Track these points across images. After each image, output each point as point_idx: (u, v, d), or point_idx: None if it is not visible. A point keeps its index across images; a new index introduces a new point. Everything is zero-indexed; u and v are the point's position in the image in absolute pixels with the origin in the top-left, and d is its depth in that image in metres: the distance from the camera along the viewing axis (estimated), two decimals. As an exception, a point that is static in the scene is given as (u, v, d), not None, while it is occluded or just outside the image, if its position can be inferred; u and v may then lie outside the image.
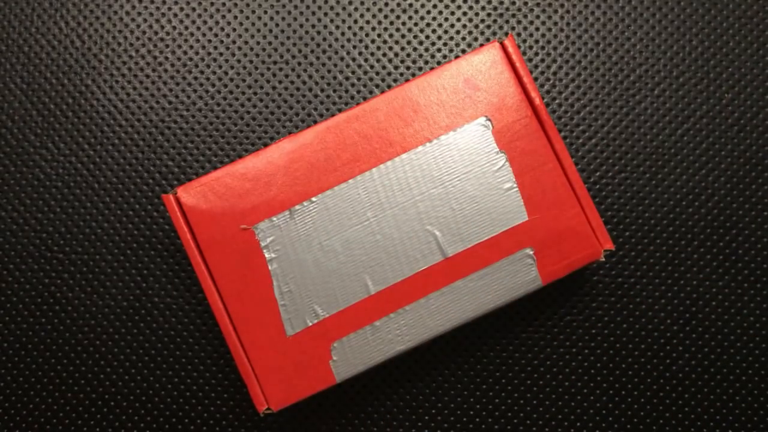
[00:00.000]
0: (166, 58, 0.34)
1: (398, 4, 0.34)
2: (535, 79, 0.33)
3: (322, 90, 0.33)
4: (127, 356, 0.32)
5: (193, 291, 0.33)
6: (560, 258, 0.27)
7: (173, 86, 0.33)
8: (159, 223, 0.33)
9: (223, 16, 0.34)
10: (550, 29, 0.34)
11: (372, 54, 0.34)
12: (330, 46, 0.34)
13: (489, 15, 0.34)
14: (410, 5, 0.34)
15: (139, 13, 0.34)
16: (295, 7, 0.34)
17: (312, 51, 0.34)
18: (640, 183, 0.33)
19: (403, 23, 0.34)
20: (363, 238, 0.27)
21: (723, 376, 0.32)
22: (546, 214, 0.27)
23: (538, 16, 0.34)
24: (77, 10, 0.34)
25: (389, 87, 0.33)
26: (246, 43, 0.34)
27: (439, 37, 0.34)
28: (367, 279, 0.27)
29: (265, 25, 0.34)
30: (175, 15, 0.34)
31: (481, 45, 0.34)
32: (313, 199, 0.27)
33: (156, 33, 0.34)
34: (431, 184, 0.27)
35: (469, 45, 0.34)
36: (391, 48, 0.34)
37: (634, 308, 0.32)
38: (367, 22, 0.34)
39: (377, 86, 0.33)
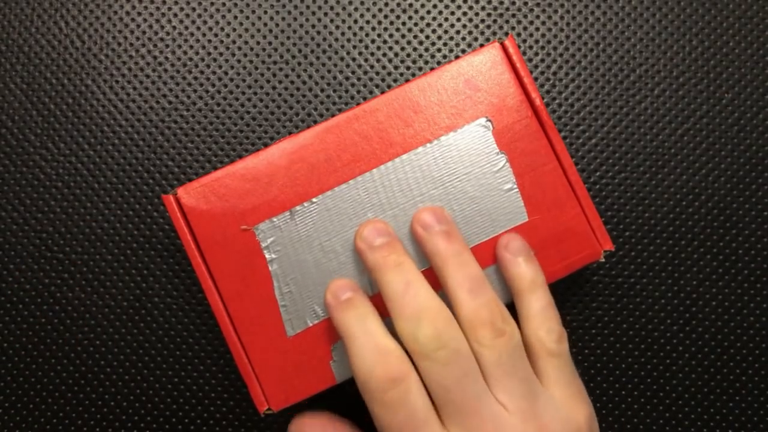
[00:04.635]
0: (166, 58, 0.34)
1: (398, 4, 0.34)
2: (535, 79, 0.33)
3: (322, 90, 0.33)
4: (127, 356, 0.32)
5: (193, 291, 0.33)
6: (560, 258, 0.27)
7: (173, 86, 0.33)
8: (159, 223, 0.33)
9: (223, 16, 0.34)
10: (550, 29, 0.34)
11: (372, 54, 0.34)
12: (330, 46, 0.34)
13: (489, 15, 0.34)
14: (410, 5, 0.34)
15: (139, 13, 0.34)
16: (295, 7, 0.34)
17: (312, 51, 0.34)
18: (640, 183, 0.33)
19: (403, 23, 0.34)
20: (363, 239, 0.27)
21: (723, 376, 0.32)
22: (546, 214, 0.27)
23: (538, 16, 0.34)
24: (77, 10, 0.34)
25: (389, 87, 0.33)
26: (246, 43, 0.34)
27: (439, 37, 0.34)
28: (368, 279, 0.27)
29: (265, 25, 0.34)
30: (175, 15, 0.34)
31: (481, 45, 0.34)
32: (314, 199, 0.27)
33: (156, 33, 0.34)
34: (431, 184, 0.27)
35: (469, 45, 0.34)
36: (391, 48, 0.34)
37: (634, 308, 0.32)
38: (367, 22, 0.34)
39: (377, 86, 0.33)
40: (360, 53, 0.34)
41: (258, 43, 0.34)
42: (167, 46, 0.34)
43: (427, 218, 0.26)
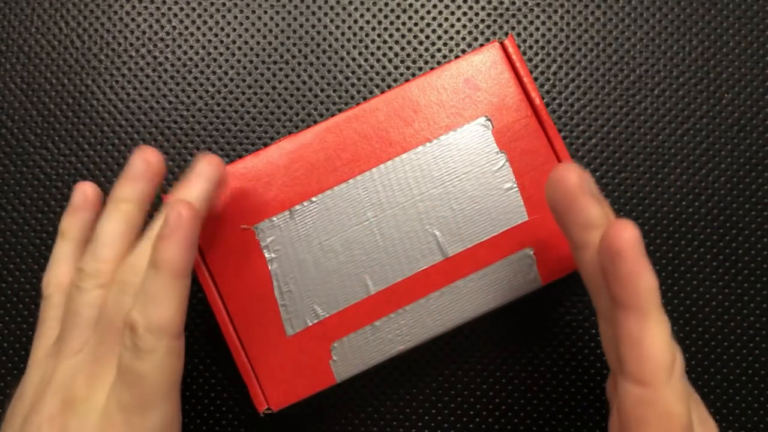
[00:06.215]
0: (166, 58, 0.34)
1: (398, 4, 0.34)
2: (535, 79, 0.33)
3: (322, 90, 0.33)
4: (127, 356, 0.32)
5: (193, 291, 0.33)
6: (560, 258, 0.27)
7: (173, 86, 0.33)
8: (159, 223, 0.33)
9: (223, 16, 0.34)
10: (550, 29, 0.34)
11: (372, 54, 0.34)
12: (330, 46, 0.34)
13: (489, 15, 0.34)
14: (410, 5, 0.34)
15: (139, 13, 0.34)
16: (295, 7, 0.34)
17: (312, 51, 0.34)
18: (640, 183, 0.33)
19: (403, 23, 0.34)
20: (363, 238, 0.27)
21: (723, 376, 0.32)
22: (546, 214, 0.27)
23: (538, 16, 0.34)
24: (77, 10, 0.34)
25: (389, 87, 0.33)
26: (246, 43, 0.34)
27: (439, 37, 0.34)
28: (367, 279, 0.27)
29: (265, 25, 0.34)
30: (175, 15, 0.34)
31: (481, 45, 0.34)
32: (313, 199, 0.27)
33: (156, 33, 0.34)
34: (431, 184, 0.27)
35: (469, 45, 0.34)
36: (391, 48, 0.34)
37: (634, 308, 0.32)
38: (367, 22, 0.34)
39: (377, 86, 0.33)
40: (360, 53, 0.34)
41: (258, 43, 0.34)
42: (167, 46, 0.34)
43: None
